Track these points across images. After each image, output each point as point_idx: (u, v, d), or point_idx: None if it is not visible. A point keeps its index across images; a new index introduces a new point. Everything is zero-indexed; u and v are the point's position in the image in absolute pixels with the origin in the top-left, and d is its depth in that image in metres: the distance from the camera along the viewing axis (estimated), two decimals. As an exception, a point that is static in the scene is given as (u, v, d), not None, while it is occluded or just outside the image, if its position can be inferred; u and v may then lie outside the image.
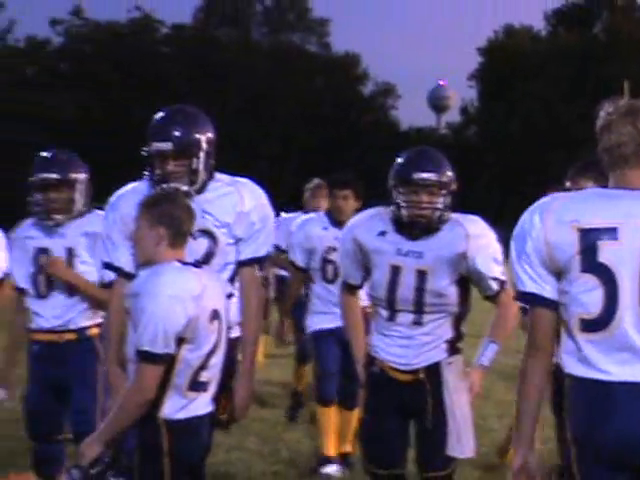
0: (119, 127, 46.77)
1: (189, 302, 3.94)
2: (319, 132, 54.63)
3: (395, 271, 4.86)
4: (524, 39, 59.52)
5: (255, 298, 4.66)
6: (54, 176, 5.51)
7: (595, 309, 3.11)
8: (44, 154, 5.69)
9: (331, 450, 7.29)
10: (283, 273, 12.04)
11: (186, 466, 4.08)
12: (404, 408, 4.92)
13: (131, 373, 4.05)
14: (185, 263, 4.11)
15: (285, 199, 10.53)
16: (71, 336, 5.55)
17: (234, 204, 4.57)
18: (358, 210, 6.77)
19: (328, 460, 7.26)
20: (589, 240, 3.11)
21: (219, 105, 46.15)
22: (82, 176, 5.60)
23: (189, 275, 4.04)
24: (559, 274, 3.18)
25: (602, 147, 3.25)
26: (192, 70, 53.76)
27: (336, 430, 7.34)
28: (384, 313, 4.93)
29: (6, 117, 51.02)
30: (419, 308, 4.84)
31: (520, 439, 3.25)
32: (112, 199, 4.83)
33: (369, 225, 4.98)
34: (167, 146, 4.47)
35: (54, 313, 5.55)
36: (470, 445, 4.85)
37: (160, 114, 4.65)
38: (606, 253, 3.10)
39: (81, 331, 5.52)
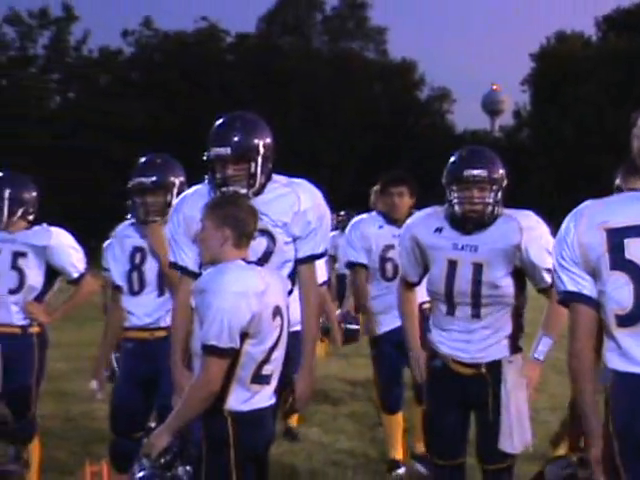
0: (187, 133, 47.08)
1: (253, 299, 3.96)
2: (377, 137, 54.55)
3: (452, 265, 4.86)
4: (575, 44, 58.98)
5: (314, 294, 4.67)
6: (151, 180, 5.54)
7: (627, 304, 3.10)
8: (143, 159, 5.72)
9: (399, 453, 7.11)
10: (345, 272, 11.95)
11: (251, 456, 4.10)
12: (465, 401, 4.91)
13: (197, 367, 4.08)
14: (248, 262, 4.14)
15: (343, 204, 10.53)
16: (161, 333, 5.57)
17: (291, 204, 4.58)
18: (412, 207, 6.80)
19: (397, 464, 7.08)
20: (616, 238, 3.12)
21: (281, 112, 46.31)
22: (178, 180, 5.59)
23: (252, 273, 4.06)
24: (594, 274, 3.19)
25: (634, 152, 3.32)
26: (255, 78, 53.96)
27: (402, 433, 7.15)
28: (443, 308, 4.93)
29: (81, 125, 51.68)
30: (476, 301, 4.82)
31: (592, 432, 3.23)
32: (176, 202, 4.90)
33: (426, 223, 5.01)
34: (226, 151, 4.50)
35: (146, 311, 5.58)
36: (522, 441, 4.80)
37: (220, 121, 4.68)
38: (633, 250, 3.10)
39: (170, 329, 5.47)
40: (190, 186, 4.96)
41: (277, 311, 4.10)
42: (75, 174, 49.89)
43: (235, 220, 4.11)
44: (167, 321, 5.51)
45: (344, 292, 11.78)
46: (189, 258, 4.67)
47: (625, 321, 3.12)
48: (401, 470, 7.04)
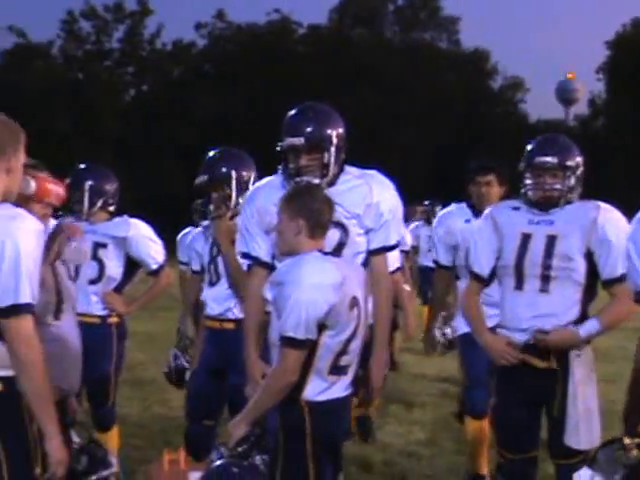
0: (260, 124, 47.24)
1: (330, 290, 3.97)
2: (451, 128, 54.23)
3: (526, 238, 4.83)
4: (652, 31, 57.95)
5: (386, 285, 4.68)
6: (205, 177, 5.61)
7: None
8: (211, 153, 5.79)
9: (483, 468, 6.45)
10: (427, 263, 11.74)
11: (327, 446, 4.11)
12: (535, 395, 4.85)
13: (275, 358, 4.11)
14: (325, 253, 4.16)
15: (418, 194, 10.46)
16: (229, 325, 5.63)
17: (363, 196, 4.60)
18: (503, 197, 6.30)
19: (480, 479, 6.47)
20: None
21: (354, 103, 46.23)
22: (239, 173, 5.63)
23: (329, 264, 4.07)
24: None
25: None
26: (328, 69, 53.94)
27: (488, 444, 6.25)
28: (511, 282, 4.88)
29: (154, 117, 52.16)
30: (547, 272, 4.78)
31: None
32: (249, 193, 4.96)
33: (505, 204, 5.07)
34: (300, 141, 4.54)
35: (216, 301, 5.67)
36: (590, 438, 4.70)
37: (293, 111, 4.72)
38: None
39: (239, 321, 5.49)
40: (263, 177, 5.01)
41: (354, 302, 4.11)
42: (149, 166, 50.39)
43: (309, 211, 4.13)
44: (235, 313, 5.58)
45: (426, 285, 11.70)
46: (261, 249, 4.71)
47: None
48: None
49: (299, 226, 4.13)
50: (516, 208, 4.94)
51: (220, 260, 5.68)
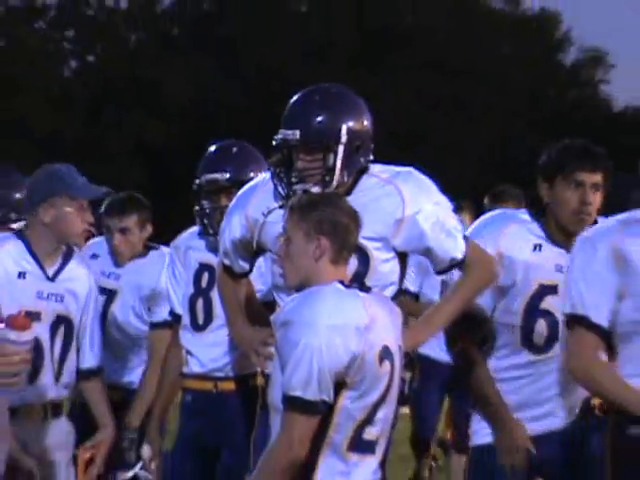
0: (255, 114, 47.23)
1: (353, 335, 3.99)
2: (507, 113, 54.31)
3: None
4: None
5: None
6: (225, 176, 5.71)
7: None
8: (212, 149, 5.91)
9: None
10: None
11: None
12: None
13: (276, 425, 4.11)
14: (348, 285, 4.13)
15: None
16: (229, 385, 5.66)
17: (393, 209, 4.74)
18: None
19: None
20: None
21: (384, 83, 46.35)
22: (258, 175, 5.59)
23: (355, 301, 4.09)
24: None
25: None
26: (342, 35, 54.07)
27: None
28: None
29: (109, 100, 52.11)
30: None
31: None
32: (237, 196, 5.13)
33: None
34: (294, 135, 4.68)
35: (211, 353, 5.65)
36: None
37: (297, 95, 4.85)
38: None
39: (243, 379, 5.49)
40: None
41: (386, 353, 4.12)
42: (95, 167, 50.30)
43: (335, 227, 4.12)
44: (237, 370, 5.55)
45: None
46: (247, 266, 5.02)
47: None
48: None
49: (321, 248, 4.10)
50: None
51: (216, 294, 5.55)
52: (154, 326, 6.45)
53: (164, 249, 6.46)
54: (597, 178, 5.43)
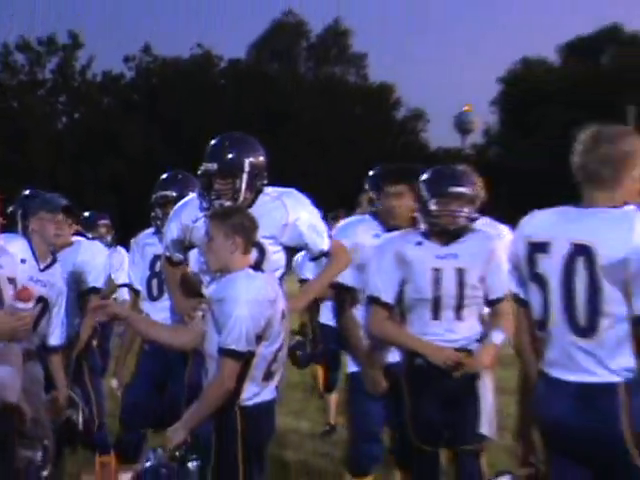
0: (185, 155, 46.76)
1: (267, 306, 4.04)
2: (360, 154, 54.45)
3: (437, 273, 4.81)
4: (539, 69, 59.12)
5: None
6: (172, 194, 5.65)
7: None
8: (164, 175, 5.91)
9: None
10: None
11: (256, 446, 4.14)
12: (447, 396, 4.84)
13: (212, 368, 4.10)
14: (254, 269, 4.15)
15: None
16: None
17: (279, 217, 4.67)
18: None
19: None
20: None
21: (272, 135, 46.13)
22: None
23: (262, 281, 4.12)
24: None
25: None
26: (247, 100, 53.75)
27: None
28: (427, 314, 4.85)
29: (88, 146, 51.17)
30: (460, 302, 4.80)
31: None
32: (176, 208, 5.05)
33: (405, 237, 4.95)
34: (213, 167, 4.63)
35: (163, 316, 5.56)
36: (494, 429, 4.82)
37: (214, 140, 4.80)
38: None
39: None
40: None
41: (283, 315, 4.18)
42: (75, 196, 49.31)
43: (244, 229, 4.13)
44: None
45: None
46: (182, 257, 5.03)
47: None
48: None
49: (235, 244, 4.10)
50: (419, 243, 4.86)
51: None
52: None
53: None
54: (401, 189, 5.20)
